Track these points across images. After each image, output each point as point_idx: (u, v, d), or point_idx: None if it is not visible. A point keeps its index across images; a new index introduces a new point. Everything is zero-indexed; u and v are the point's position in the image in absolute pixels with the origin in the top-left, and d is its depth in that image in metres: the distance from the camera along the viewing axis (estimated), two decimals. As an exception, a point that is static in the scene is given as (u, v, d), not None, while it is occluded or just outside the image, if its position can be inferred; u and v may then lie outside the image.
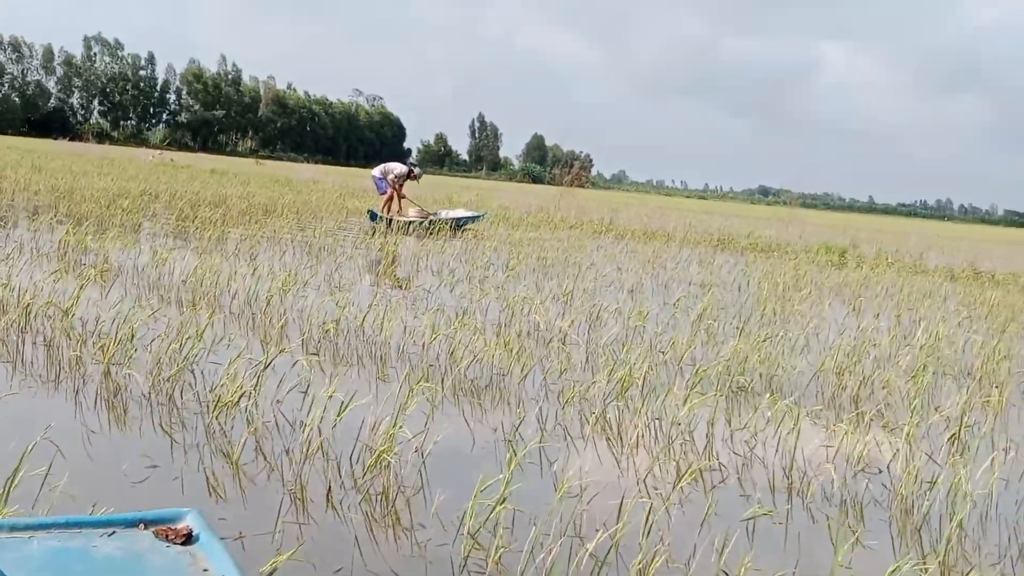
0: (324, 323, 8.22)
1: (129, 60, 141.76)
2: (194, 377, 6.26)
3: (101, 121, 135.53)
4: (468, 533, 4.10)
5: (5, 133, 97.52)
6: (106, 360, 6.29)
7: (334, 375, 6.69)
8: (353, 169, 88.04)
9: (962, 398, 7.28)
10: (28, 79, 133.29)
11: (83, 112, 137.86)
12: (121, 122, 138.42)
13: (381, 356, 7.60)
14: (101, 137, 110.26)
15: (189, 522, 2.32)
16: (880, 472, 5.73)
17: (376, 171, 22.08)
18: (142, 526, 2.30)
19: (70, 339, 6.93)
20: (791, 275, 17.28)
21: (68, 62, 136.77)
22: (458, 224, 21.23)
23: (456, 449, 5.45)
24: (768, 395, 7.01)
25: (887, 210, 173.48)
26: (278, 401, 5.83)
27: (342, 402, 5.41)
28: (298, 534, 4.05)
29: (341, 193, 32.58)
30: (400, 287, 11.70)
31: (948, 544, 4.52)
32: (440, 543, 4.10)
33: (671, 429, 6.05)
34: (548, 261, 15.83)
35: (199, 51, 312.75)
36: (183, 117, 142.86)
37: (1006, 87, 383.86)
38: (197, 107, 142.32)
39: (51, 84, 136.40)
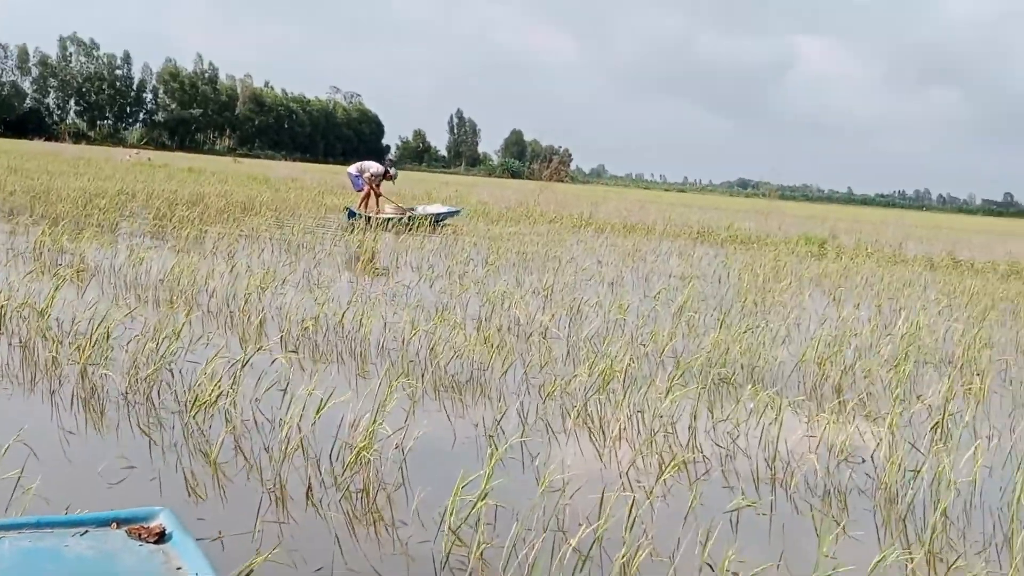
0: (303, 320, 8.16)
1: (105, 60, 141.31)
2: (172, 376, 6.20)
3: (77, 121, 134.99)
4: (450, 529, 4.06)
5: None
6: (83, 360, 6.21)
7: (314, 372, 6.64)
8: (331, 166, 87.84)
9: (944, 386, 7.28)
10: (3, 80, 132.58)
11: (59, 112, 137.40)
12: (98, 122, 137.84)
13: (361, 353, 7.55)
14: (78, 137, 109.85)
15: (162, 520, 2.30)
16: (863, 461, 5.72)
17: (352, 168, 22.15)
18: (114, 525, 2.28)
19: (46, 339, 6.85)
20: (771, 266, 17.29)
21: (43, 62, 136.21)
22: (437, 220, 21.23)
23: (437, 445, 5.41)
24: (750, 386, 7.00)
25: (866, 201, 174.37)
26: (257, 399, 5.77)
27: (321, 399, 5.36)
28: (278, 533, 4.00)
29: (320, 190, 32.48)
30: (380, 283, 11.64)
31: (933, 533, 4.50)
32: (421, 540, 4.06)
33: (653, 422, 6.02)
34: (528, 256, 15.80)
35: (175, 51, 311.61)
36: (160, 116, 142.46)
37: (981, 80, 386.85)
38: (174, 106, 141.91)
39: (26, 85, 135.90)
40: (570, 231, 23.68)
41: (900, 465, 5.36)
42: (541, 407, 6.31)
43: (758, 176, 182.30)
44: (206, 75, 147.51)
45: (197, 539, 2.42)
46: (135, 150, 70.95)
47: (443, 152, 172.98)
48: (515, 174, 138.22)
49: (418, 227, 19.22)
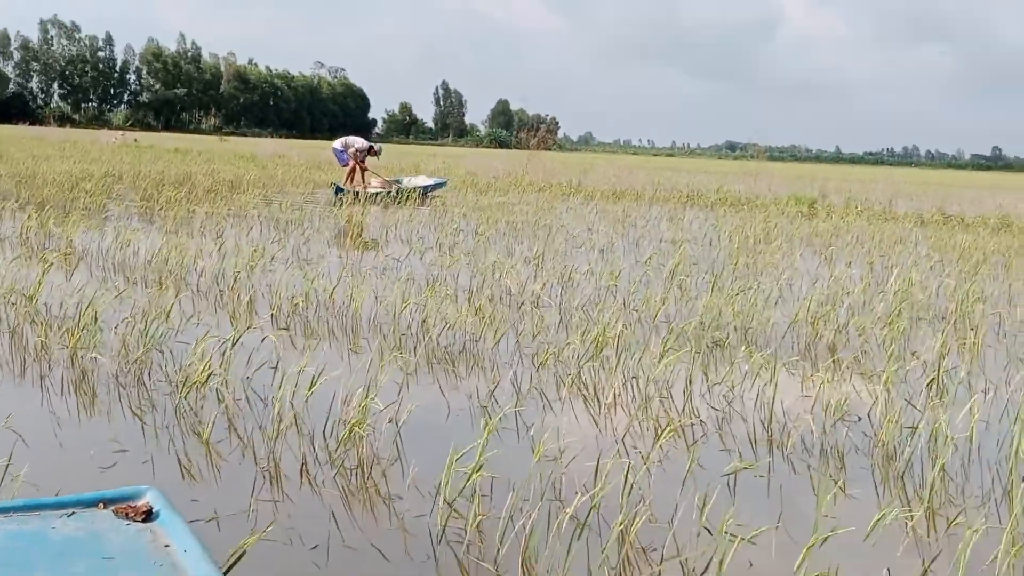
0: (293, 297, 8.12)
1: (87, 42, 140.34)
2: (163, 357, 6.16)
3: (62, 104, 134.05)
4: (445, 502, 4.03)
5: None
6: (72, 345, 6.17)
7: (305, 349, 6.61)
8: (318, 142, 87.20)
9: (938, 342, 7.27)
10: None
11: (43, 96, 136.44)
12: (82, 105, 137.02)
13: (352, 328, 7.51)
14: (63, 120, 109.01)
15: (149, 499, 2.29)
16: (860, 420, 5.71)
17: (337, 143, 22.21)
18: (101, 505, 2.27)
19: (35, 325, 6.81)
20: (761, 228, 17.27)
21: (25, 46, 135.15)
22: (424, 192, 21.22)
23: (431, 418, 5.39)
24: (744, 348, 6.98)
25: (854, 159, 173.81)
26: (248, 378, 5.73)
27: (313, 376, 5.32)
28: (273, 511, 3.98)
29: (307, 166, 32.35)
30: (369, 257, 11.59)
31: (932, 489, 4.49)
32: (418, 513, 4.04)
33: (648, 387, 6.01)
34: (518, 225, 15.75)
35: (157, 32, 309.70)
36: (144, 97, 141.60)
37: (968, 34, 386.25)
38: (158, 86, 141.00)
39: (9, 69, 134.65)
40: (559, 199, 23.62)
41: (897, 422, 5.34)
42: (535, 376, 6.29)
43: (746, 138, 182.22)
44: (189, 54, 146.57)
45: (192, 520, 2.41)
46: (121, 132, 70.47)
47: (430, 124, 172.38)
48: (503, 144, 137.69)
49: (406, 200, 19.15)
